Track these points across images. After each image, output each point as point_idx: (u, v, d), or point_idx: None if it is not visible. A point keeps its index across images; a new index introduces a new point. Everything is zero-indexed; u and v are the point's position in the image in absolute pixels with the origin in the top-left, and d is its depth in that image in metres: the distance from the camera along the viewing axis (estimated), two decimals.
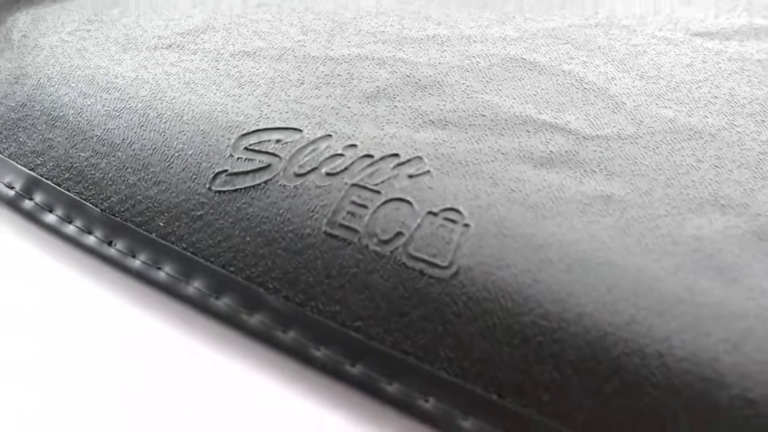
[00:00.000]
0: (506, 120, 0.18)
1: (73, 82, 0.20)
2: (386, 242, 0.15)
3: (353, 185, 0.16)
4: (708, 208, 0.15)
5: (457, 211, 0.15)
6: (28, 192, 0.19)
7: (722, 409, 0.12)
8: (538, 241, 0.14)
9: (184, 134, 0.17)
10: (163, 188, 0.17)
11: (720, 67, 0.21)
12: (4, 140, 0.19)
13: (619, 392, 0.13)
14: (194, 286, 0.16)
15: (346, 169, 0.16)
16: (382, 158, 0.16)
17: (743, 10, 0.25)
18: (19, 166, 0.19)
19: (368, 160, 0.16)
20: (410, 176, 0.16)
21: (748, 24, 0.23)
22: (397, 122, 0.17)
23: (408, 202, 0.15)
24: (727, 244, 0.14)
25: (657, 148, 0.17)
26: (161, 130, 0.18)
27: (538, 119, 0.18)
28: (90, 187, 0.18)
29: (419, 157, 0.16)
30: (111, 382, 0.16)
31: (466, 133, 0.17)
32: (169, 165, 0.17)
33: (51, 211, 0.18)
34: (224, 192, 0.16)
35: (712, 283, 0.14)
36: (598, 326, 0.13)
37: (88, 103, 0.19)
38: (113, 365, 0.16)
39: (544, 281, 0.14)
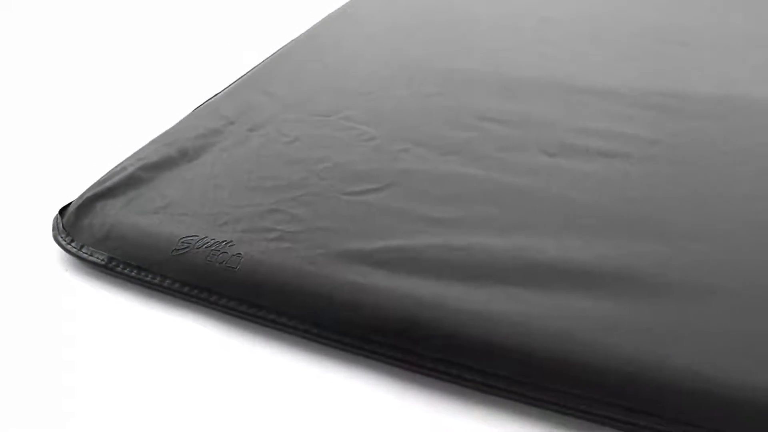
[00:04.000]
0: (265, 228, 0.56)
1: (125, 227, 0.58)
2: (220, 263, 0.53)
3: (211, 250, 0.54)
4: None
5: (240, 254, 0.53)
6: (110, 261, 0.56)
7: None
8: (272, 263, 0.53)
9: (166, 239, 0.56)
10: (160, 256, 0.55)
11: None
12: (101, 246, 0.57)
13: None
14: (167, 281, 0.54)
15: (211, 245, 0.54)
16: (221, 242, 0.55)
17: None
18: (105, 252, 0.57)
19: (217, 243, 0.55)
20: (228, 245, 0.54)
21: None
22: (228, 232, 0.56)
23: (227, 252, 0.54)
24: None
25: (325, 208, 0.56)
26: (162, 238, 0.56)
27: (277, 228, 0.56)
28: (133, 259, 0.56)
29: (232, 240, 0.55)
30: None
31: (248, 233, 0.56)
32: (160, 249, 0.55)
33: (117, 267, 0.56)
34: (175, 255, 0.54)
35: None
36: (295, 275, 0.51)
37: (134, 232, 0.57)
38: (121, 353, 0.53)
39: (278, 269, 0.52)
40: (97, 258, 0.57)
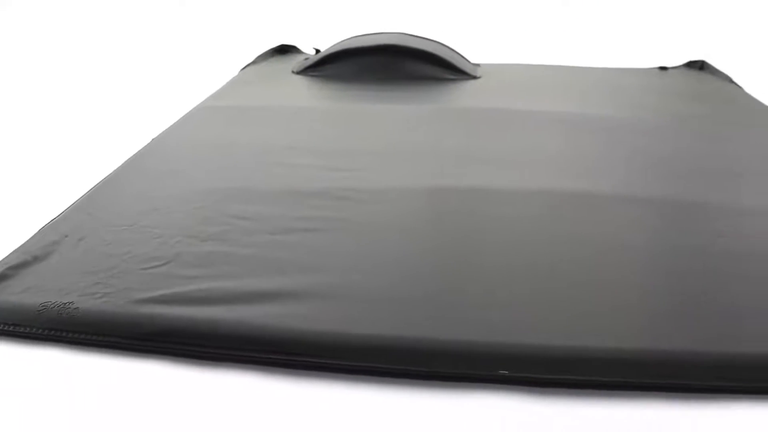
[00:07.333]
0: (92, 292, 0.99)
1: (2, 302, 0.97)
2: (66, 314, 0.95)
3: (60, 307, 0.96)
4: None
5: (78, 308, 0.96)
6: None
7: None
8: (97, 310, 0.95)
9: (31, 305, 0.97)
10: (29, 315, 0.96)
11: None
12: (18, 320, 0.97)
13: None
14: (34, 329, 0.94)
15: (60, 305, 0.96)
16: (66, 303, 0.97)
17: None
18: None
19: (64, 303, 0.97)
20: (70, 304, 0.97)
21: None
22: (70, 297, 0.98)
23: (70, 308, 0.96)
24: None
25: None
26: (28, 305, 0.97)
27: (100, 291, 0.99)
28: (10, 319, 0.96)
29: (73, 301, 0.97)
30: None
31: (82, 296, 0.98)
32: (28, 311, 0.96)
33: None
34: (38, 313, 0.95)
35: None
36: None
37: (9, 305, 0.97)
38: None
39: (101, 313, 0.95)
40: None
